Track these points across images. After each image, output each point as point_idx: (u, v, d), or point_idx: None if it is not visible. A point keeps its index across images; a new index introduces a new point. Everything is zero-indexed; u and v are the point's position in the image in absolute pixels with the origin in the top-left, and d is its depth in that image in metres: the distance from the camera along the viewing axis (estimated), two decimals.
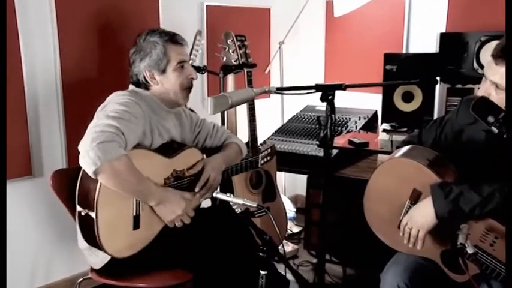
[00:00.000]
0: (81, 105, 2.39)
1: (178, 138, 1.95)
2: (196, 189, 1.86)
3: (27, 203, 2.34)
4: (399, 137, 2.63)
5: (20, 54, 2.20)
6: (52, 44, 2.31)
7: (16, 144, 2.23)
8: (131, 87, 1.88)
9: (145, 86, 1.85)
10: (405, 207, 1.73)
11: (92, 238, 1.67)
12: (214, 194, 1.76)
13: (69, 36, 2.35)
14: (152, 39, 1.82)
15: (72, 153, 2.41)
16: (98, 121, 1.61)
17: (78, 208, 1.70)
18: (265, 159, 2.43)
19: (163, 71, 1.82)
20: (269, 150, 2.46)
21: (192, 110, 2.62)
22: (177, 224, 1.78)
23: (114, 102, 1.71)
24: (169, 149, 1.84)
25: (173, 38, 1.84)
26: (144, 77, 1.83)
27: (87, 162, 1.53)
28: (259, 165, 2.38)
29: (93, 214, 1.62)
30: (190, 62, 2.63)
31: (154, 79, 1.83)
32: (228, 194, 1.72)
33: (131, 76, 1.87)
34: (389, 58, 2.83)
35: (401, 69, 2.79)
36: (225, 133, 2.15)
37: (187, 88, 1.90)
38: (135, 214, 1.71)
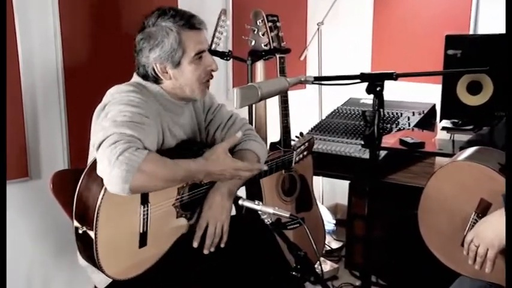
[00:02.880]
0: (85, 95, 2.42)
1: (194, 129, 1.95)
2: (195, 244, 1.82)
3: (22, 209, 2.39)
4: (462, 137, 2.60)
5: (16, 36, 2.24)
6: (53, 26, 2.35)
7: (10, 141, 2.27)
8: (136, 78, 1.84)
9: (155, 79, 1.81)
10: (470, 220, 1.70)
11: (90, 258, 1.67)
12: (240, 202, 1.76)
13: (72, 18, 2.39)
14: (164, 23, 1.75)
15: (75, 152, 2.46)
16: (105, 133, 1.58)
17: (76, 223, 1.70)
18: (301, 156, 2.38)
19: (178, 64, 1.78)
20: (306, 144, 2.40)
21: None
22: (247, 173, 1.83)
23: (118, 102, 1.68)
24: (187, 151, 1.83)
25: (190, 22, 1.77)
26: (154, 69, 1.79)
27: (117, 184, 1.52)
28: (293, 163, 2.34)
29: (92, 233, 1.62)
30: (214, 46, 2.64)
31: (166, 73, 1.79)
32: (256, 202, 1.72)
33: (137, 66, 1.83)
34: (452, 41, 2.78)
35: (467, 54, 2.74)
36: (241, 130, 2.03)
37: (206, 81, 1.86)
38: (141, 231, 1.72)
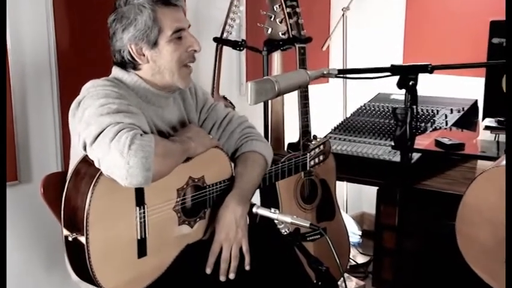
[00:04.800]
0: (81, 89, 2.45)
1: (184, 125, 1.96)
2: (208, 271, 1.83)
3: (10, 216, 2.39)
4: None
5: (5, 24, 2.27)
6: (45, 12, 2.38)
7: None
8: (114, 70, 1.88)
9: (133, 66, 1.84)
10: None
11: (83, 270, 1.67)
12: (254, 209, 1.77)
13: (66, 2, 2.42)
14: (136, 1, 1.79)
15: (70, 153, 2.48)
16: (99, 125, 1.61)
17: (65, 232, 1.71)
18: (316, 160, 2.39)
19: (155, 44, 1.80)
20: (321, 147, 2.40)
21: (225, 98, 2.65)
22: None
23: (95, 96, 1.70)
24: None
25: None
26: (130, 53, 1.82)
27: (138, 175, 1.56)
28: (308, 168, 2.36)
29: (82, 238, 1.63)
30: (225, 35, 2.65)
31: (143, 55, 1.82)
32: (272, 210, 1.72)
33: (113, 53, 1.87)
34: (497, 27, 2.77)
35: None
36: (238, 128, 2.08)
37: (188, 65, 1.88)
38: (139, 237, 1.73)
